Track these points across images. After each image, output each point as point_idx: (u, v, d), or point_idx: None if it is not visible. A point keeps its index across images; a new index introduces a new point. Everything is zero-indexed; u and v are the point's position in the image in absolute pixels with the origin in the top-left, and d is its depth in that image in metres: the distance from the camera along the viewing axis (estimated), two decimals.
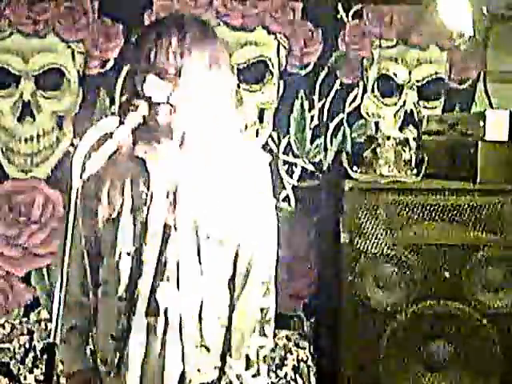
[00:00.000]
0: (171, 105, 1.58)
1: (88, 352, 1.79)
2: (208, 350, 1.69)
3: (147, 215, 1.63)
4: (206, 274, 1.66)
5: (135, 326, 1.64)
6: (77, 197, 1.40)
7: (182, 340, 1.65)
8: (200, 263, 1.65)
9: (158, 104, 1.57)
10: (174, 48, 1.56)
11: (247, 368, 1.71)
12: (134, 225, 1.64)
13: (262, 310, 1.73)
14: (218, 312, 1.71)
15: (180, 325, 1.65)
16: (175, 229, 1.63)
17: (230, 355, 1.71)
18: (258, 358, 1.72)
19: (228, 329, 1.72)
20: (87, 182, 1.56)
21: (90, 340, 1.79)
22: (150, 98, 1.56)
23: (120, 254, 1.65)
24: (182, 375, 1.67)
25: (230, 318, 1.72)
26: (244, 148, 1.74)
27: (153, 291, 1.64)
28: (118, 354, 1.67)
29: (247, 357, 1.71)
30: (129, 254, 1.65)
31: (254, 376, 1.72)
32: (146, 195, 1.64)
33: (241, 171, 1.69)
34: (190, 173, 1.64)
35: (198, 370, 1.68)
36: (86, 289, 1.72)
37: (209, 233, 1.65)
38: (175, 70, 1.56)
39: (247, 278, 1.71)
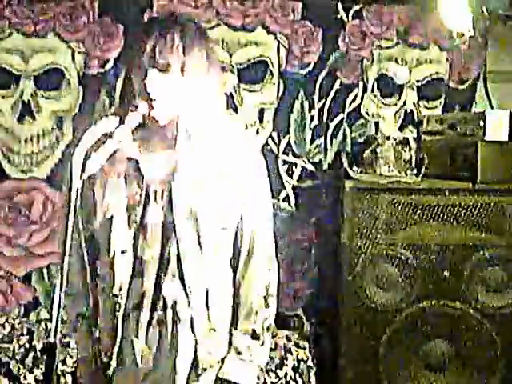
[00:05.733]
0: (169, 101, 1.59)
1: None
2: (216, 331, 1.73)
3: (144, 214, 1.65)
4: (208, 263, 1.69)
5: (143, 322, 1.67)
6: (77, 196, 1.40)
7: (193, 329, 1.68)
8: (202, 253, 1.68)
9: (156, 100, 1.58)
10: (176, 45, 1.57)
11: (253, 338, 1.76)
12: (129, 224, 1.66)
13: (267, 284, 1.78)
14: (223, 293, 1.75)
15: (190, 316, 1.68)
16: (174, 225, 1.65)
17: (236, 328, 1.76)
18: (263, 329, 1.77)
19: (233, 305, 1.77)
20: (86, 182, 1.57)
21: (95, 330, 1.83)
22: (149, 94, 1.56)
23: (114, 252, 1.67)
24: (194, 361, 1.70)
25: (234, 295, 1.77)
26: (236, 139, 1.76)
27: (158, 287, 1.66)
28: (117, 347, 1.70)
29: (253, 330, 1.76)
30: (123, 252, 1.67)
31: (261, 345, 1.77)
32: (141, 195, 1.65)
33: (234, 160, 1.71)
34: (185, 168, 1.65)
35: (210, 353, 1.72)
36: (87, 281, 1.77)
37: (208, 223, 1.67)
38: (176, 67, 1.57)
39: (252, 255, 1.76)
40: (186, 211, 1.65)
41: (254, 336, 1.77)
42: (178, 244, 1.65)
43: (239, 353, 1.75)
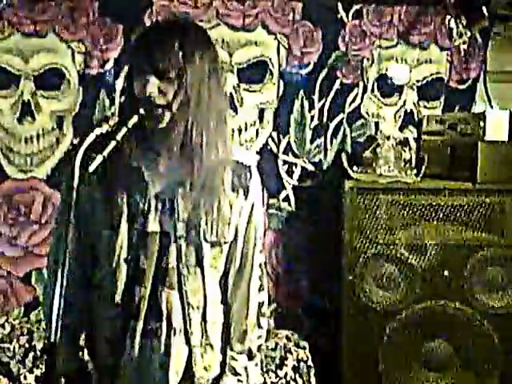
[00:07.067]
0: (171, 108, 1.58)
1: (82, 352, 1.79)
2: (212, 347, 1.74)
3: (145, 223, 1.64)
4: (205, 277, 1.69)
5: (138, 331, 1.65)
6: (77, 201, 1.40)
7: (189, 342, 1.68)
8: (199, 267, 1.67)
9: (158, 107, 1.57)
10: (176, 51, 1.56)
11: (250, 359, 1.79)
12: (132, 232, 1.64)
13: (258, 303, 1.80)
14: (215, 310, 1.75)
15: (185, 328, 1.67)
16: (174, 235, 1.64)
17: (231, 348, 1.78)
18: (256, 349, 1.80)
19: (225, 324, 1.78)
20: (86, 184, 1.57)
21: (86, 342, 1.80)
22: (150, 100, 1.56)
23: (117, 260, 1.65)
24: (187, 376, 1.69)
25: (225, 314, 1.78)
26: (236, 153, 1.75)
27: (154, 297, 1.65)
28: (114, 358, 1.68)
29: (249, 349, 1.79)
30: (126, 260, 1.65)
31: (255, 366, 1.80)
32: (144, 204, 1.64)
33: (231, 174, 1.70)
34: (187, 179, 1.64)
35: (205, 369, 1.72)
36: (78, 290, 1.72)
37: (207, 237, 1.67)
38: (176, 74, 1.56)
39: (243, 275, 1.78)
40: (186, 220, 1.64)
41: (251, 357, 1.79)
42: (177, 255, 1.65)
43: (237, 374, 1.76)
